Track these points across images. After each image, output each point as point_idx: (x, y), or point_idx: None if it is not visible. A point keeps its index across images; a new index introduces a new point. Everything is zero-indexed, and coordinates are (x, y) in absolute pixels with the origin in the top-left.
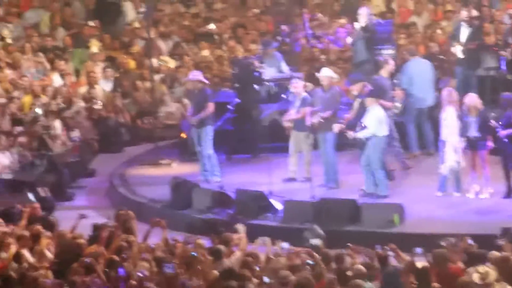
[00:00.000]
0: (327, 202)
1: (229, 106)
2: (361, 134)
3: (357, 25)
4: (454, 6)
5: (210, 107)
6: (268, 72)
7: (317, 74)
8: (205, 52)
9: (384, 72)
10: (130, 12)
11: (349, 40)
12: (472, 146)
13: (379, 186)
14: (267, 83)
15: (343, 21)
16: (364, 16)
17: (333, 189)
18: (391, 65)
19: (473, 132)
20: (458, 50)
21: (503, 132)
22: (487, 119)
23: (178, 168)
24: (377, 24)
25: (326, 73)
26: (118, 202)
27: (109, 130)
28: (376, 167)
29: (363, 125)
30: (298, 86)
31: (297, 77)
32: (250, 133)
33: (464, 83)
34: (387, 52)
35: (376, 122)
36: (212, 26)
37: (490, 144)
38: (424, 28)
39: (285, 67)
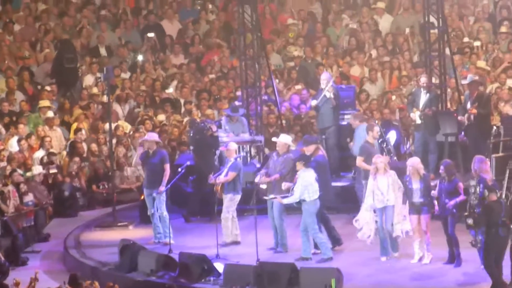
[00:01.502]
0: (266, 266)
1: (180, 169)
2: (286, 201)
3: (327, 94)
4: (409, 72)
5: (167, 169)
6: (231, 136)
7: (274, 139)
8: (161, 117)
9: (370, 138)
10: (87, 77)
11: (311, 109)
12: (415, 211)
13: (321, 250)
14: None
15: (298, 87)
16: (326, 82)
17: (281, 253)
18: (375, 131)
19: (417, 197)
20: (416, 116)
21: (450, 203)
22: (430, 184)
23: (135, 231)
24: (340, 90)
25: (282, 140)
26: (72, 266)
27: (64, 195)
28: (312, 231)
29: (291, 191)
30: (229, 150)
31: (258, 141)
32: (209, 196)
33: (423, 149)
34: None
35: (302, 187)
36: (170, 90)
37: (435, 208)
38: (379, 95)
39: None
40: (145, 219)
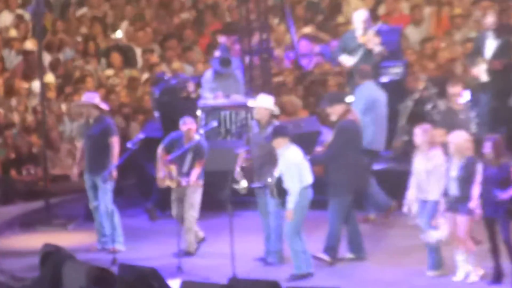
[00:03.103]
0: (239, 284)
1: (129, 144)
2: (291, 205)
3: (374, 46)
4: (466, 9)
5: (115, 143)
6: (220, 98)
7: (249, 104)
8: (109, 72)
9: (453, 101)
10: (3, 14)
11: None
12: (452, 208)
13: (294, 261)
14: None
15: (308, 30)
16: (366, 25)
17: (273, 265)
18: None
19: (454, 189)
20: (481, 71)
21: (502, 195)
22: (474, 171)
23: (74, 233)
24: (380, 32)
25: (261, 103)
26: None
27: None
28: (290, 233)
29: (269, 179)
30: (189, 127)
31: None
32: None
33: (491, 117)
34: (395, 70)
35: (288, 170)
36: (119, 35)
37: (476, 209)
38: (421, 42)
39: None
40: (91, 217)
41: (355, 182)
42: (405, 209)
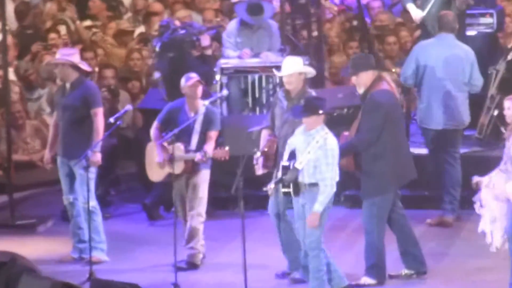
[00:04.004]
0: None
1: (113, 118)
2: (323, 201)
3: None
4: None
5: (98, 115)
6: (247, 56)
7: (274, 71)
8: (87, 23)
9: None
10: None
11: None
12: None
13: (311, 281)
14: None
15: None
16: None
17: (301, 283)
18: None
19: None
20: None
21: None
22: None
23: (45, 238)
24: None
25: (288, 67)
26: None
27: None
28: (316, 244)
29: (292, 166)
30: (194, 81)
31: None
32: None
33: None
34: (485, 21)
35: (325, 161)
36: None
37: None
38: None
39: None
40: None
41: (399, 175)
42: (480, 210)
